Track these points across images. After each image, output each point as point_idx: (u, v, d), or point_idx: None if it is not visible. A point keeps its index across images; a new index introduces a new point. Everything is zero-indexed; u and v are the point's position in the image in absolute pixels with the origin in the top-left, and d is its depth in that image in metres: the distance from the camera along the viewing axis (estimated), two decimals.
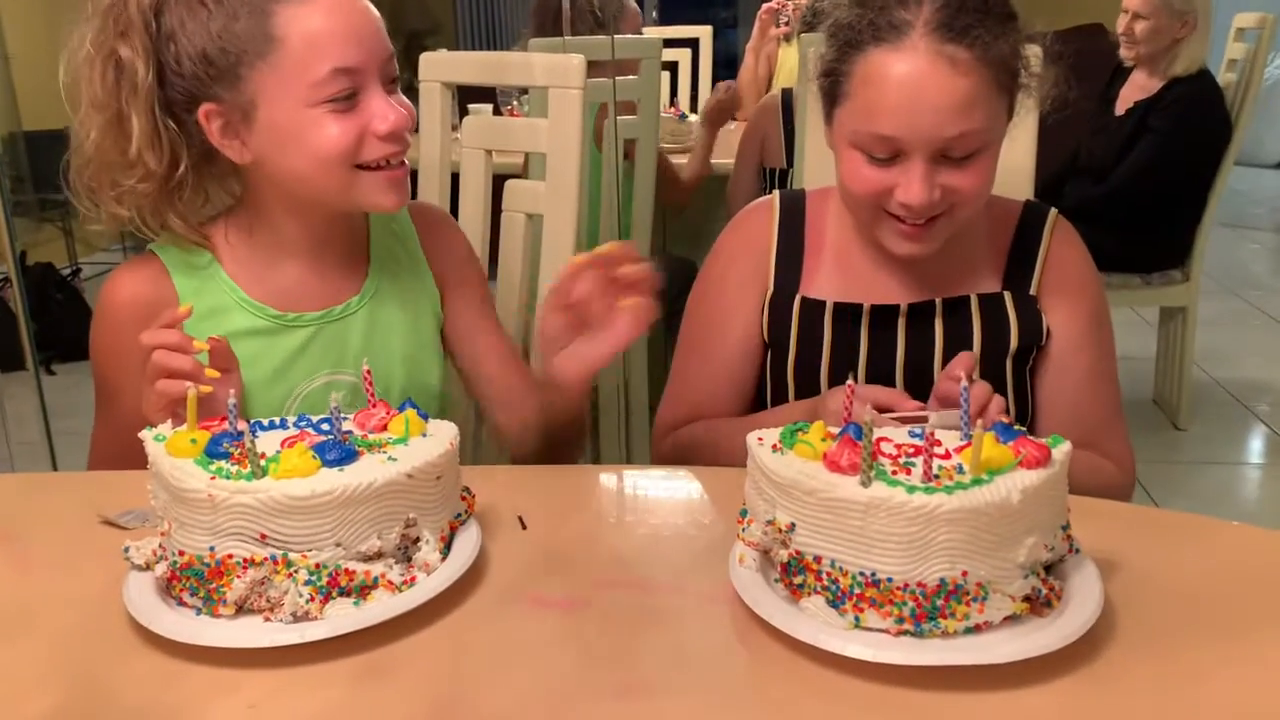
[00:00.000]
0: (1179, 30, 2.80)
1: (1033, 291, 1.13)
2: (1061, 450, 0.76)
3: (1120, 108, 2.97)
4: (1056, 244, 1.14)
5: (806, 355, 1.15)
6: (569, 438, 1.13)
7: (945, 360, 1.11)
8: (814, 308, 1.15)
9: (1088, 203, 2.87)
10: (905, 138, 1.00)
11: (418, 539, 0.81)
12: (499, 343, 1.23)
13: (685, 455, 1.18)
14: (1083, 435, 1.05)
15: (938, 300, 1.12)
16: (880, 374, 1.12)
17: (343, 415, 0.83)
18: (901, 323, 1.13)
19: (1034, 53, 1.08)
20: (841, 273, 1.16)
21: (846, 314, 1.13)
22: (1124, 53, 2.93)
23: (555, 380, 1.04)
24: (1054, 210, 1.17)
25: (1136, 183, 2.82)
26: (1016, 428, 0.77)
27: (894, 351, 1.13)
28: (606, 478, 1.10)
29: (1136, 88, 2.94)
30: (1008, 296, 1.13)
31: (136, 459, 0.93)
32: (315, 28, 1.00)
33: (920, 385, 1.11)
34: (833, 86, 1.06)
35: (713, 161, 2.85)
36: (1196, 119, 2.81)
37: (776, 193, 1.22)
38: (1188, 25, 2.79)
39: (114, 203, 1.06)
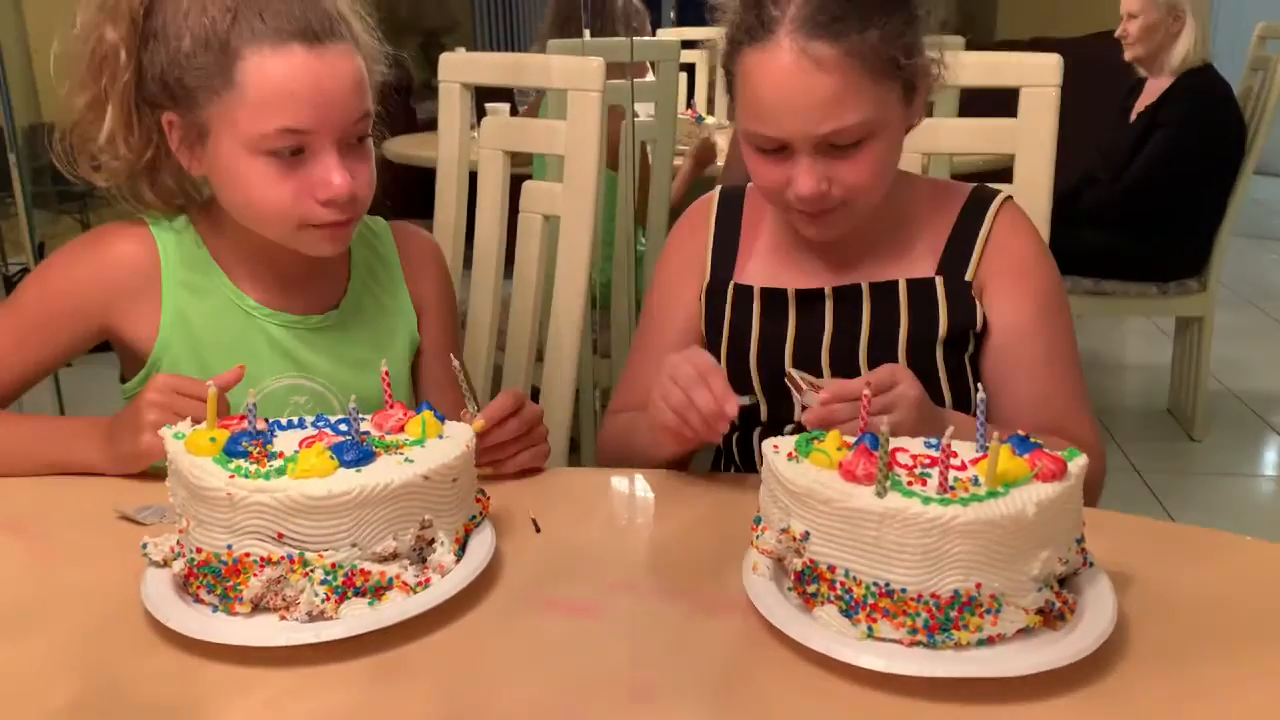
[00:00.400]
0: (1172, 25, 2.85)
1: (969, 277, 1.12)
2: (1077, 464, 0.76)
3: (1134, 116, 2.98)
4: (999, 229, 1.13)
5: (737, 340, 1.16)
6: None
7: (871, 344, 1.11)
8: (744, 293, 1.16)
9: (1102, 204, 2.88)
10: (784, 135, 1.01)
11: (433, 540, 0.82)
12: (451, 378, 1.21)
13: (611, 444, 1.20)
14: (1046, 421, 1.06)
15: (864, 284, 1.12)
16: (806, 357, 1.13)
17: (360, 415, 0.83)
18: (828, 306, 1.13)
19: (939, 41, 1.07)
20: (773, 260, 1.18)
21: (774, 298, 1.15)
22: (1126, 55, 2.95)
23: None
24: (1002, 194, 1.16)
25: (1150, 178, 2.82)
26: (1033, 440, 0.77)
27: (820, 335, 1.13)
28: (619, 480, 1.10)
29: (1148, 94, 2.95)
30: (939, 281, 1.12)
31: None
32: (275, 83, 0.98)
33: (846, 368, 1.12)
34: (728, 83, 1.08)
35: (719, 163, 2.86)
36: (1204, 111, 2.82)
37: (718, 188, 1.25)
38: (1179, 20, 2.83)
39: (90, 171, 1.07)
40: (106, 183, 1.08)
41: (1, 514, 0.98)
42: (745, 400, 0.99)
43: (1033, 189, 1.34)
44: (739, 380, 1.15)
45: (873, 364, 1.10)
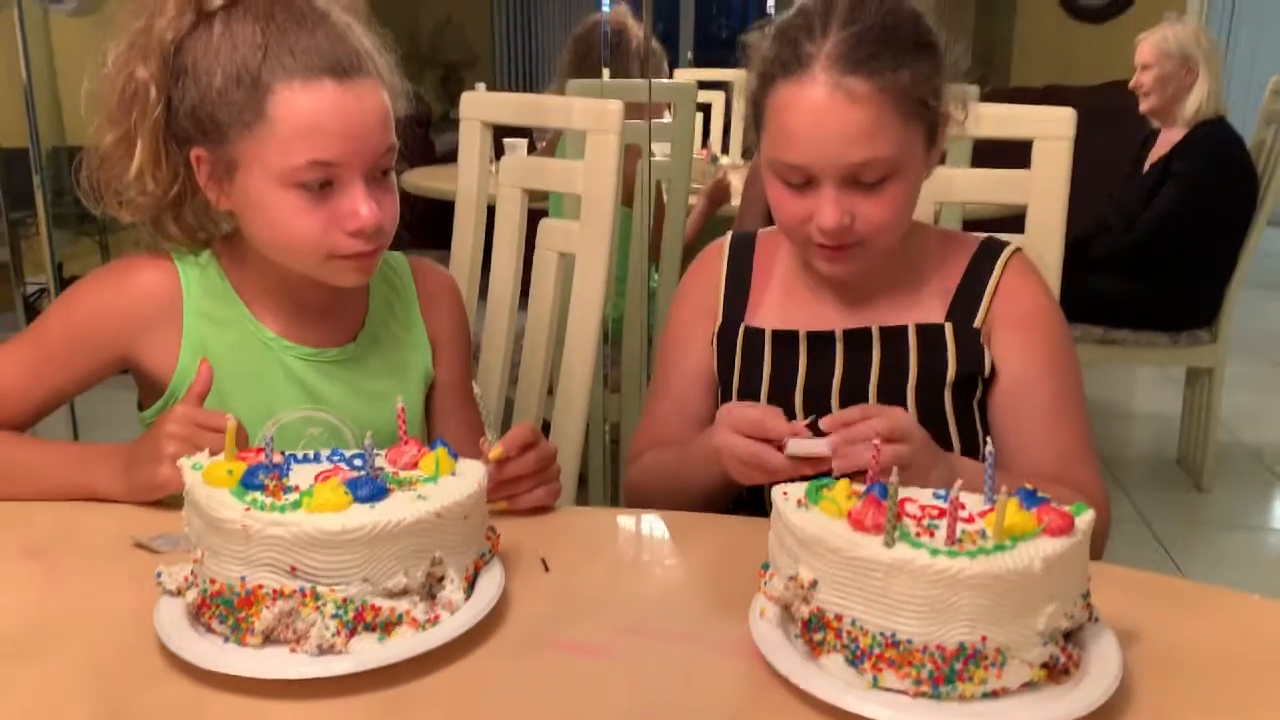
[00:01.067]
0: (1185, 78, 2.89)
1: (977, 324, 1.13)
2: (1085, 519, 0.76)
3: (1147, 167, 3.00)
4: (1009, 277, 1.15)
5: (748, 382, 1.18)
6: None
7: (881, 387, 1.13)
8: (755, 336, 1.18)
9: (1114, 253, 2.89)
10: (812, 165, 1.04)
11: (442, 577, 0.82)
12: (459, 408, 1.26)
13: (639, 484, 1.22)
14: (1050, 469, 1.07)
15: (874, 328, 1.14)
16: (816, 400, 1.15)
17: (375, 451, 0.84)
18: (839, 349, 1.15)
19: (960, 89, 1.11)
20: (784, 303, 1.20)
21: (785, 340, 1.17)
22: (1141, 107, 2.98)
23: None
24: (1013, 246, 1.18)
25: (1162, 228, 2.84)
26: (1040, 494, 0.78)
27: (830, 377, 1.15)
28: (628, 520, 1.11)
29: (1161, 145, 2.98)
30: (948, 327, 1.14)
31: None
32: (305, 117, 1.00)
33: (856, 402, 1.11)
34: (756, 117, 1.11)
35: (734, 202, 2.88)
36: (1218, 162, 2.84)
37: (729, 234, 1.28)
38: (1192, 72, 2.87)
39: (117, 207, 1.09)
40: (132, 218, 1.10)
41: (19, 539, 0.99)
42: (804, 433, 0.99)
43: (1044, 239, 1.35)
44: None
45: (881, 398, 1.13)
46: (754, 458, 0.99)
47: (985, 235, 1.21)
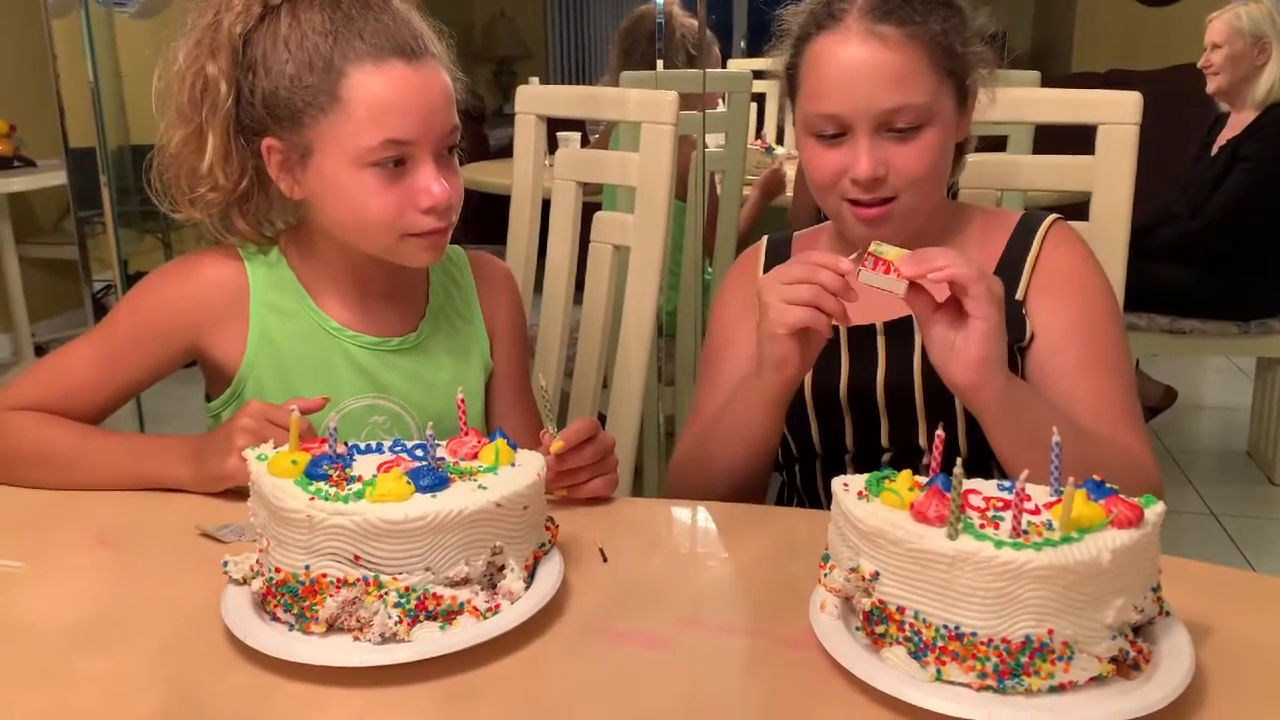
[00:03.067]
0: (1257, 57, 2.82)
1: (1019, 296, 1.13)
2: (1154, 511, 0.75)
3: (1215, 150, 2.92)
4: (1049, 246, 1.15)
5: None
6: None
7: (925, 374, 1.11)
8: None
9: (1182, 240, 2.82)
10: (846, 112, 1.06)
11: (503, 567, 0.83)
12: (516, 398, 1.27)
13: (678, 462, 1.22)
14: (1088, 428, 1.03)
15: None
16: (861, 390, 1.15)
17: (436, 442, 0.85)
18: (880, 342, 1.15)
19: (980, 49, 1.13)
20: None
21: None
22: (1209, 87, 2.90)
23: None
24: (1052, 216, 1.18)
25: (1230, 215, 2.77)
26: (1109, 485, 0.76)
27: (874, 371, 1.14)
28: (685, 512, 1.11)
29: (1231, 128, 2.90)
30: None
31: (62, 406, 1.08)
32: (379, 97, 1.03)
33: (902, 399, 1.13)
34: (791, 82, 1.14)
35: (788, 194, 2.86)
36: None
37: (765, 238, 1.30)
38: (1265, 51, 2.80)
39: (187, 205, 1.12)
40: (202, 215, 1.12)
41: (91, 527, 1.02)
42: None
43: (1110, 227, 1.32)
44: (794, 414, 1.16)
45: (928, 390, 1.12)
46: (815, 294, 0.98)
47: (1025, 211, 1.20)
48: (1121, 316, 1.17)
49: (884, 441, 1.16)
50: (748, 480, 1.13)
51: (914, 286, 0.95)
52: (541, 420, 1.09)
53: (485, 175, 3.15)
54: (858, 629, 0.78)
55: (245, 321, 1.14)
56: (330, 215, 1.09)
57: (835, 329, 1.14)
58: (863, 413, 1.16)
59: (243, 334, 1.14)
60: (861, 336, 1.15)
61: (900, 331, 1.14)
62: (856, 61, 1.06)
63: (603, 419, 1.44)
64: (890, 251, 0.96)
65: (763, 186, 2.80)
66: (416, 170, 1.06)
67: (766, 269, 1.24)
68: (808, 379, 1.16)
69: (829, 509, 0.81)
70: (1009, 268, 1.14)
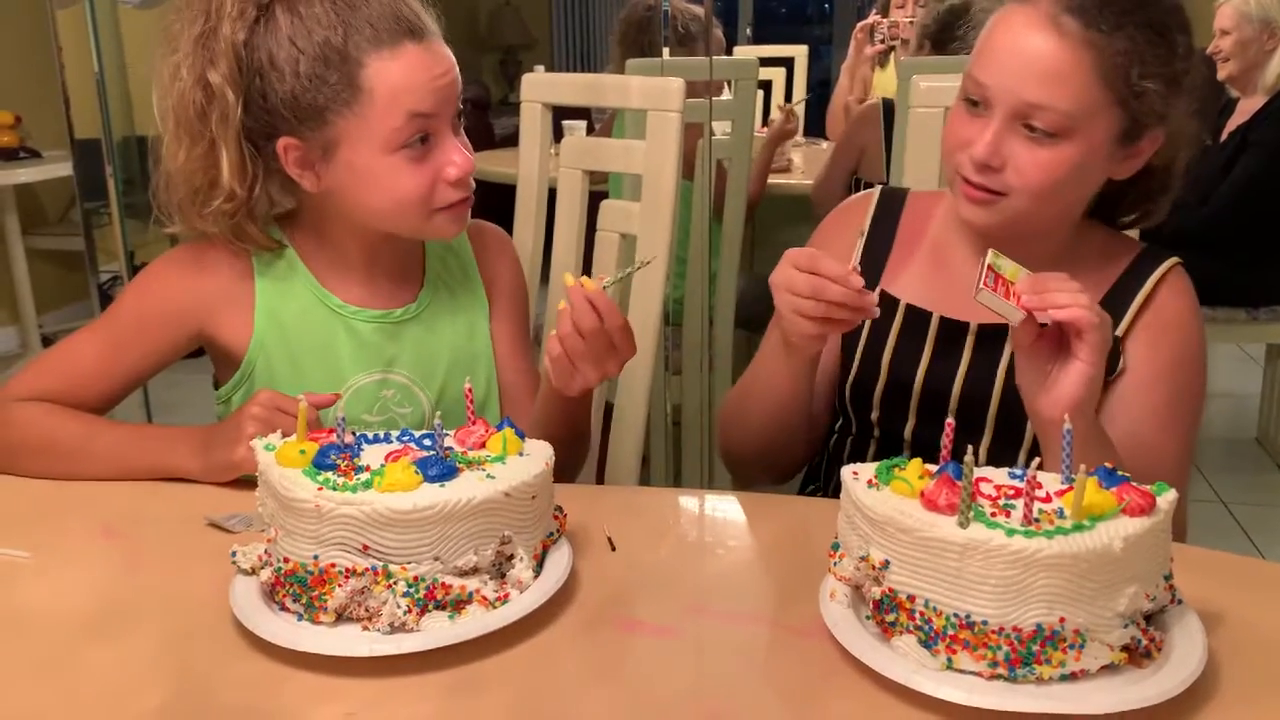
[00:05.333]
0: (1266, 43, 2.81)
1: (1119, 332, 1.09)
2: (1166, 499, 0.74)
3: (1224, 136, 2.91)
4: (1163, 292, 1.10)
5: (871, 349, 1.16)
6: (568, 445, 1.10)
7: (1006, 386, 1.09)
8: (889, 304, 1.14)
9: (1189, 227, 2.80)
10: (991, 86, 1.02)
11: (512, 556, 0.83)
12: (518, 353, 1.27)
13: (728, 415, 1.20)
14: (1140, 469, 1.01)
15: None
16: (938, 386, 1.12)
17: (444, 431, 0.85)
18: (969, 342, 1.12)
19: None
20: (927, 277, 1.16)
21: (917, 319, 1.14)
22: (1219, 74, 2.88)
23: (555, 393, 1.07)
24: (1172, 260, 1.13)
25: (1238, 202, 2.75)
26: (1120, 473, 0.76)
27: (955, 367, 1.12)
28: (693, 501, 1.11)
29: (1239, 115, 2.88)
30: None
31: (68, 396, 1.07)
32: (399, 80, 1.04)
33: (974, 406, 1.10)
34: (971, 48, 1.09)
35: (791, 181, 2.85)
36: None
37: (878, 187, 1.24)
38: (1274, 37, 2.80)
39: (199, 220, 1.11)
40: (215, 228, 1.11)
41: (97, 518, 1.02)
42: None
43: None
44: (861, 391, 1.15)
45: (1004, 404, 1.09)
46: (811, 287, 0.96)
47: (1149, 244, 1.16)
48: (1206, 373, 1.13)
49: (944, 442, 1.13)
50: (779, 438, 1.14)
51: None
52: (537, 381, 1.09)
53: (491, 165, 3.13)
54: (868, 618, 0.78)
55: (251, 304, 1.14)
56: (361, 202, 1.09)
57: (927, 316, 1.12)
58: (931, 409, 1.13)
59: (249, 317, 1.14)
60: (951, 331, 1.12)
61: (992, 338, 1.11)
62: (1021, 41, 1.01)
63: (610, 408, 1.43)
64: (1008, 267, 0.92)
65: (772, 135, 2.80)
66: (439, 146, 1.08)
67: (874, 223, 1.20)
68: (885, 360, 1.14)
69: None
70: (1117, 299, 1.10)
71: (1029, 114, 1.00)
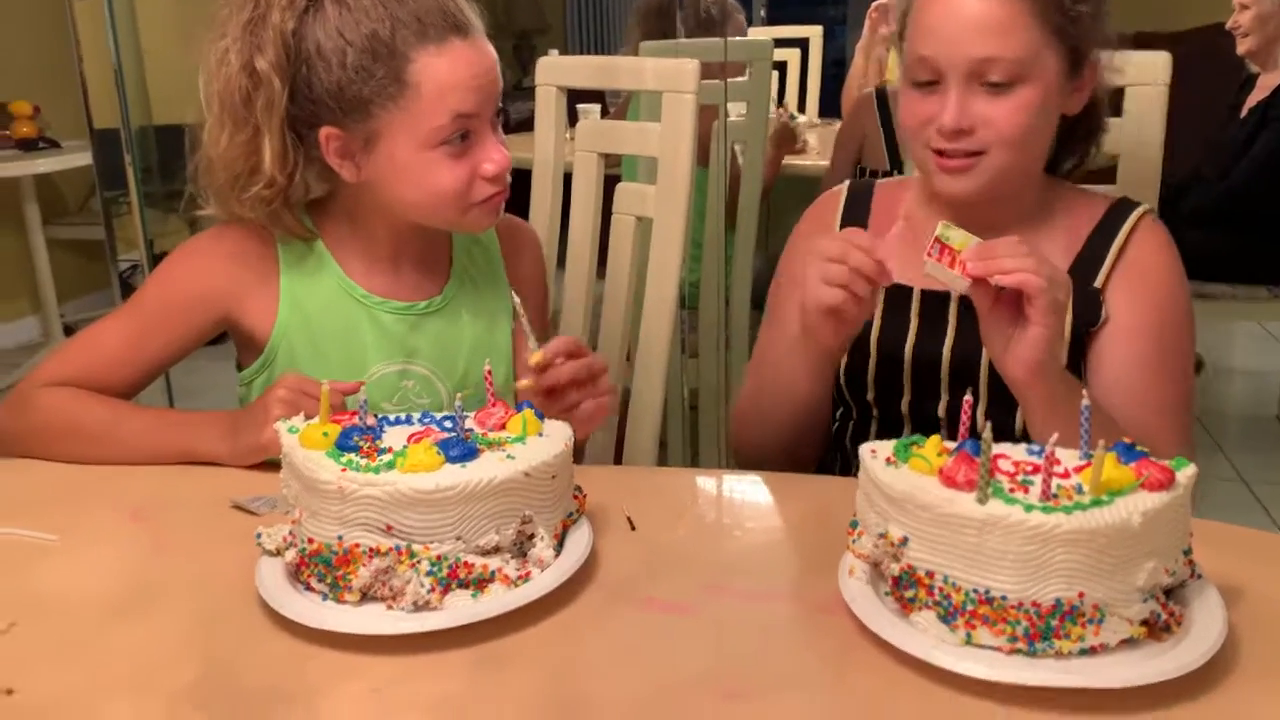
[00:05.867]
0: None
1: (1098, 283, 1.10)
2: (1185, 474, 0.74)
3: (1244, 112, 2.88)
4: (1136, 239, 1.12)
5: (859, 334, 1.15)
6: None
7: None
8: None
9: (1209, 204, 2.79)
10: (940, 57, 1.04)
11: (533, 535, 0.84)
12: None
13: (741, 410, 1.21)
14: (1135, 427, 1.01)
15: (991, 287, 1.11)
16: (927, 359, 1.14)
17: (465, 413, 0.86)
18: (952, 309, 1.13)
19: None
20: (903, 256, 1.15)
21: (899, 296, 1.15)
22: (1239, 49, 2.85)
23: None
24: (1144, 208, 1.15)
25: (1260, 178, 2.73)
26: (1139, 448, 0.76)
27: (942, 338, 1.13)
28: (710, 481, 1.11)
29: (1260, 90, 2.85)
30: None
31: (94, 382, 1.08)
32: (445, 77, 1.05)
33: (965, 374, 1.12)
34: (901, 30, 1.11)
35: (806, 162, 2.85)
36: None
37: (847, 181, 1.27)
38: None
39: (237, 205, 1.11)
40: (253, 214, 1.12)
41: (123, 501, 1.03)
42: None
43: (1138, 191, 1.30)
44: (855, 372, 1.16)
45: (993, 369, 1.09)
46: (842, 251, 0.97)
47: (1120, 195, 1.18)
48: (1193, 320, 1.14)
49: (940, 413, 1.15)
50: (802, 435, 1.14)
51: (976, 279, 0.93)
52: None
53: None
54: (886, 594, 0.78)
55: (276, 290, 1.15)
56: (399, 195, 1.10)
57: (909, 291, 1.13)
58: (924, 381, 1.14)
59: (273, 302, 1.15)
60: (933, 303, 1.14)
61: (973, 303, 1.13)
62: (956, 6, 1.03)
63: (627, 393, 1.44)
64: (957, 238, 0.94)
65: (774, 141, 2.79)
66: (479, 141, 1.08)
67: (844, 216, 1.22)
68: (873, 334, 1.15)
69: None
70: (1092, 252, 1.12)
71: (984, 70, 1.03)
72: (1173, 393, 1.09)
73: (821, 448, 1.22)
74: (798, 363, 1.09)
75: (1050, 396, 0.96)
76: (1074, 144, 1.17)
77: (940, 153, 1.07)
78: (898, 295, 1.15)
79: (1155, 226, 1.14)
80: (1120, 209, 1.15)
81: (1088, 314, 1.10)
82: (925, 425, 1.16)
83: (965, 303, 1.11)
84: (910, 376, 1.15)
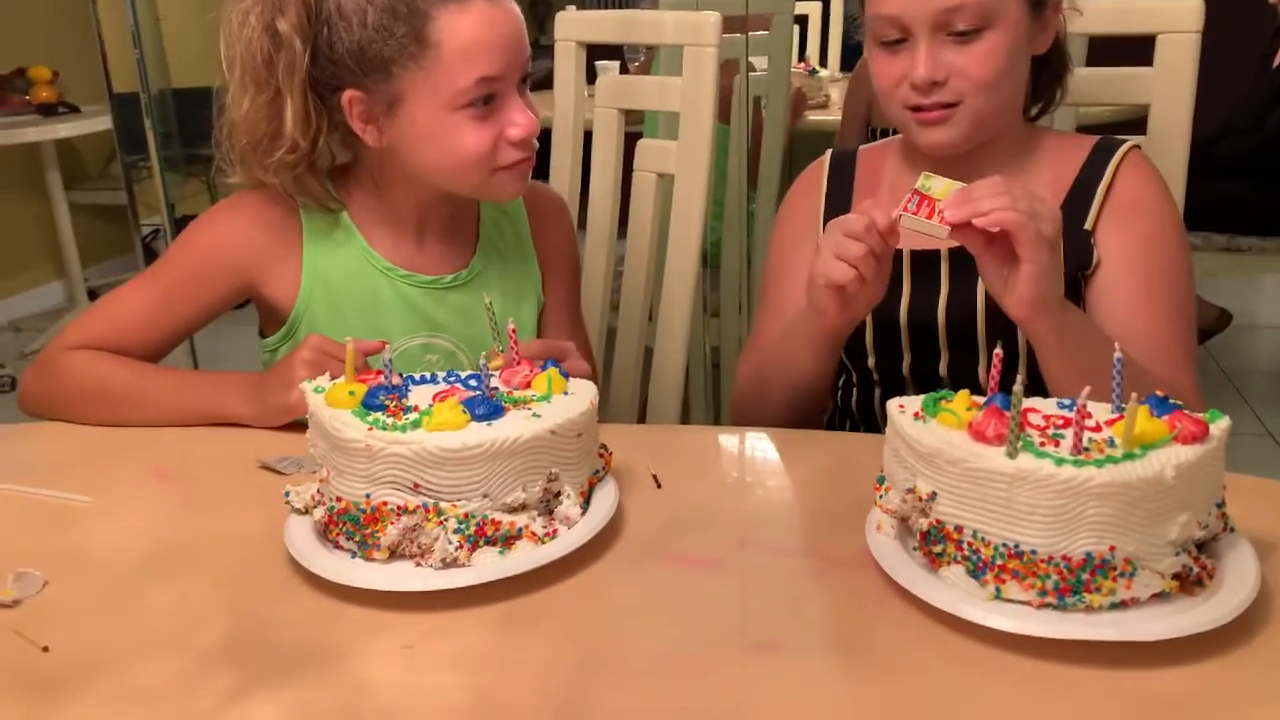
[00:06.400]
0: None
1: (1088, 225, 1.09)
2: (1220, 426, 0.73)
3: (1277, 62, 2.82)
4: (1122, 175, 1.11)
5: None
6: None
7: (989, 299, 1.08)
8: None
9: (1240, 155, 2.73)
10: (903, 13, 1.03)
11: (559, 493, 0.84)
12: (565, 324, 1.26)
13: (742, 389, 1.20)
14: (1139, 360, 1.00)
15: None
16: (923, 319, 1.13)
17: (489, 372, 0.86)
18: (944, 269, 1.13)
19: None
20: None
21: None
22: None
23: None
24: (1129, 144, 1.14)
25: None
26: (1172, 401, 0.75)
27: (936, 297, 1.12)
28: (734, 439, 1.11)
29: None
30: None
31: (120, 345, 1.09)
32: (469, 36, 1.03)
33: (962, 330, 1.11)
34: None
35: (828, 117, 2.82)
36: None
37: (829, 151, 1.26)
38: None
39: (261, 170, 1.11)
40: (276, 179, 1.11)
41: (152, 463, 1.04)
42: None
43: (1168, 142, 1.28)
44: (853, 340, 1.15)
45: (989, 319, 1.09)
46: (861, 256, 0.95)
47: (1101, 136, 1.16)
48: (1189, 251, 1.13)
49: (942, 371, 1.14)
50: (803, 414, 1.13)
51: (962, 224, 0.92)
52: (588, 351, 1.09)
53: None
54: (914, 549, 0.78)
55: (299, 259, 1.15)
56: (422, 160, 1.09)
57: (898, 254, 1.12)
58: (922, 342, 1.14)
59: (296, 272, 1.15)
60: (924, 262, 1.13)
61: (965, 259, 1.10)
62: None
63: (649, 352, 1.44)
64: (938, 186, 0.92)
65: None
66: (504, 104, 1.07)
67: (829, 186, 1.22)
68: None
69: (884, 434, 0.81)
70: (1080, 194, 1.11)
71: (949, 20, 1.03)
72: (1175, 321, 1.08)
73: (817, 424, 1.22)
74: (797, 344, 1.08)
75: (1057, 330, 0.95)
76: (1041, 88, 1.17)
77: (917, 109, 1.06)
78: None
79: (1141, 161, 1.13)
80: (1105, 148, 1.14)
81: (1080, 257, 1.08)
82: (928, 386, 1.14)
83: (956, 261, 1.11)
84: (909, 339, 1.14)
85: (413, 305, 1.17)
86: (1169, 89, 1.28)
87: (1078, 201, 1.11)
